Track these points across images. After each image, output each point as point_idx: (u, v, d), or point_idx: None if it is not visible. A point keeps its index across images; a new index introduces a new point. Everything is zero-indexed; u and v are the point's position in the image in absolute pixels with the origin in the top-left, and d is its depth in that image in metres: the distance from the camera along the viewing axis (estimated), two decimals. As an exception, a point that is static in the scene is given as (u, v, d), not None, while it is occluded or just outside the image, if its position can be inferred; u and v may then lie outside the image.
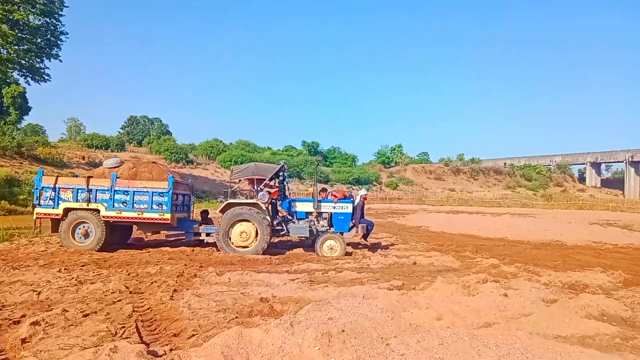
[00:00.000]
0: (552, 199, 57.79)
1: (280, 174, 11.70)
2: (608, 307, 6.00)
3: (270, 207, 11.07)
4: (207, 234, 11.05)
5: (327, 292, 6.29)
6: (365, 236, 11.72)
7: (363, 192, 12.45)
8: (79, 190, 10.38)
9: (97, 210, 10.39)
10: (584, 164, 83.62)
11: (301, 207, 11.34)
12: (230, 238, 10.48)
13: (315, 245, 10.72)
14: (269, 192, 10.98)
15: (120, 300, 6.00)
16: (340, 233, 10.99)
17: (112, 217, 10.42)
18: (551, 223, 21.77)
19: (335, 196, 11.46)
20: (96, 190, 10.42)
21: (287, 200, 11.51)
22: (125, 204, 10.42)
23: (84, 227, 10.38)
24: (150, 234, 11.61)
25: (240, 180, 11.76)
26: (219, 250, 10.59)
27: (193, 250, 10.86)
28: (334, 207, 11.22)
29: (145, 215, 10.46)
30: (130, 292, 6.47)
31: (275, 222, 10.99)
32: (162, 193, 10.49)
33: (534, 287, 7.13)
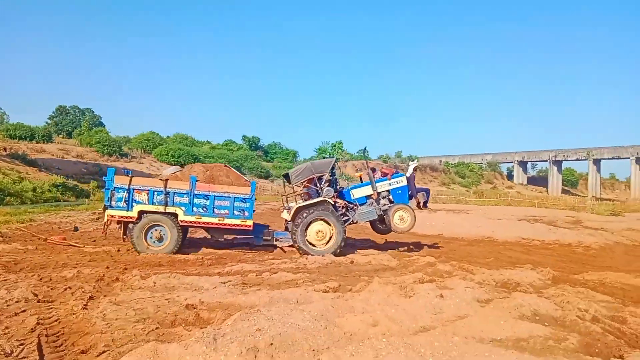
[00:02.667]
0: (483, 196, 60.26)
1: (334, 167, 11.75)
2: (539, 306, 6.03)
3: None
4: (277, 239, 10.97)
5: (259, 296, 5.91)
6: (425, 203, 12.05)
7: (414, 164, 12.83)
8: (155, 193, 9.81)
9: (175, 215, 9.88)
10: (512, 162, 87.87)
11: (359, 192, 11.47)
12: (307, 238, 10.48)
13: (385, 220, 11.05)
14: (334, 188, 11.24)
15: (24, 310, 5.33)
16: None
17: (190, 222, 10.04)
18: (483, 219, 22.47)
19: (386, 173, 11.76)
20: (174, 193, 9.89)
21: (346, 189, 11.63)
22: (205, 209, 10.01)
23: (157, 230, 9.85)
24: (221, 239, 11.03)
25: (302, 184, 11.57)
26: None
27: (118, 251, 10.08)
28: (390, 184, 11.46)
29: (227, 221, 10.14)
30: (39, 301, 5.79)
31: (339, 214, 10.96)
32: (244, 199, 10.20)
33: (468, 286, 7.11)
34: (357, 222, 11.19)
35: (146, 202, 9.76)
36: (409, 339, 4.31)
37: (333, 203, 10.84)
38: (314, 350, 3.79)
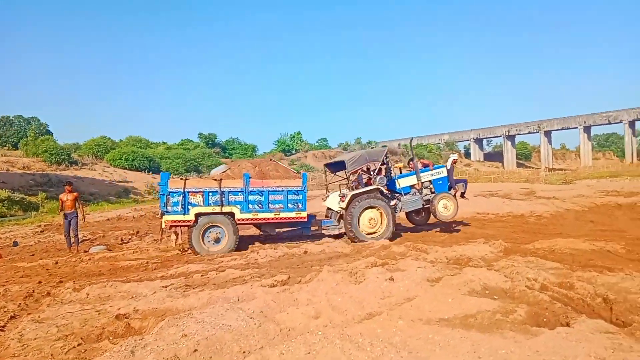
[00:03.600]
0: (443, 175, 61.39)
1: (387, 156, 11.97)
2: (489, 279, 5.92)
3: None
4: (324, 228, 11.26)
5: (198, 298, 5.54)
6: (462, 194, 12.40)
7: (454, 156, 13.25)
8: (210, 194, 9.78)
9: (232, 214, 9.90)
10: (468, 140, 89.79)
11: (405, 182, 11.72)
12: (359, 226, 10.57)
13: (430, 208, 11.22)
14: (387, 176, 11.60)
15: None
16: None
17: (248, 220, 10.13)
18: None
19: (426, 164, 12.21)
20: (229, 192, 9.90)
21: (393, 179, 11.73)
22: (260, 205, 10.09)
23: (214, 232, 9.82)
24: (273, 233, 10.92)
25: (356, 172, 11.79)
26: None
27: (56, 263, 9.45)
28: (432, 175, 11.86)
29: (282, 215, 10.25)
30: (-48, 327, 5.23)
31: (391, 202, 11.19)
32: (297, 191, 10.34)
33: (420, 266, 6.96)
34: (402, 210, 11.47)
35: (202, 204, 9.72)
36: (350, 328, 4.07)
37: (384, 191, 11.24)
38: (243, 352, 3.49)
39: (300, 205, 10.35)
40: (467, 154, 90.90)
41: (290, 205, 10.27)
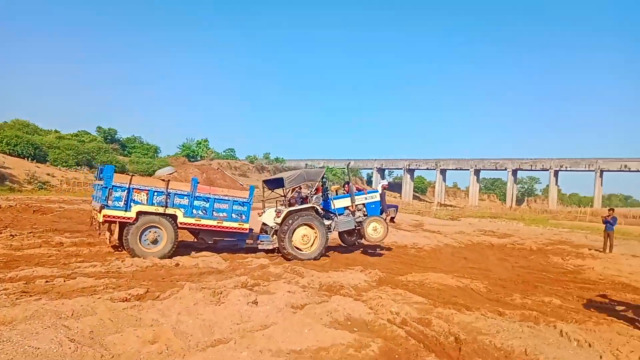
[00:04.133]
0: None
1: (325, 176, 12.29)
2: (354, 310, 5.83)
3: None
4: (260, 242, 11.05)
5: (25, 309, 4.77)
6: (392, 218, 12.87)
7: (384, 182, 13.81)
8: (156, 193, 9.42)
9: (174, 216, 9.55)
10: (371, 168, 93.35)
11: (340, 203, 12.12)
12: (292, 243, 10.70)
13: (360, 230, 11.70)
14: (323, 196, 12.07)
15: None
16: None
17: (189, 224, 9.81)
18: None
19: (360, 189, 12.71)
20: (175, 194, 9.61)
21: (328, 199, 12.07)
22: (204, 211, 9.89)
23: (152, 232, 9.37)
24: (210, 242, 10.50)
25: (293, 189, 12.28)
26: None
27: None
28: (366, 198, 12.33)
29: (225, 224, 10.11)
30: None
31: (326, 222, 11.43)
32: (243, 202, 10.31)
33: (290, 291, 6.73)
34: (335, 229, 11.82)
35: (145, 203, 9.33)
36: (188, 357, 3.66)
37: (321, 211, 11.47)
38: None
39: (244, 217, 10.32)
40: (370, 182, 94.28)
41: (234, 216, 10.20)
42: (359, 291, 7.23)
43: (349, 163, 15.50)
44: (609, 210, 17.71)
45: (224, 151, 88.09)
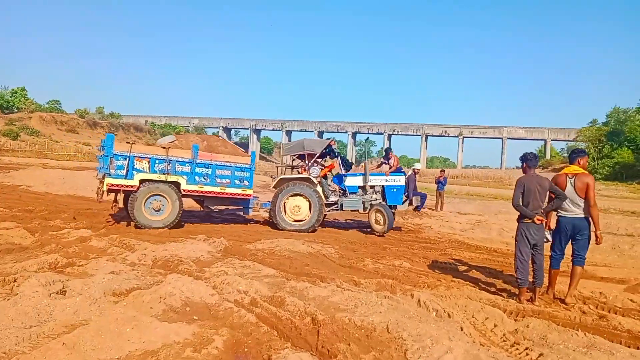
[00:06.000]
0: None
1: (331, 148, 11.57)
2: (194, 292, 4.84)
3: (324, 182, 11.07)
4: (265, 210, 10.88)
5: None
6: (418, 208, 11.84)
7: (417, 166, 12.41)
8: (157, 161, 9.39)
9: (177, 184, 9.50)
10: (217, 128, 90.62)
11: (352, 181, 11.23)
12: (285, 212, 10.49)
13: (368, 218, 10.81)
14: (322, 167, 11.22)
15: None
16: (393, 206, 10.86)
17: (193, 191, 9.79)
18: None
19: (390, 166, 11.31)
20: (176, 162, 9.57)
21: (339, 175, 11.39)
22: (207, 178, 9.89)
23: (156, 200, 9.32)
24: (215, 209, 10.93)
25: (293, 158, 12.04)
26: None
27: None
28: (386, 180, 11.02)
29: (228, 190, 10.11)
30: None
31: (330, 197, 10.94)
32: (244, 169, 10.34)
33: (114, 271, 5.49)
34: (341, 208, 10.99)
35: (147, 171, 9.35)
36: None
37: (317, 183, 10.68)
38: None
39: (246, 183, 10.31)
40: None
41: (236, 182, 10.18)
42: (200, 266, 6.24)
43: (367, 138, 13.83)
44: (440, 171, 19.16)
45: (46, 103, 77.55)
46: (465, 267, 7.22)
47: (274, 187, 11.05)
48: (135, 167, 9.21)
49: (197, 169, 9.78)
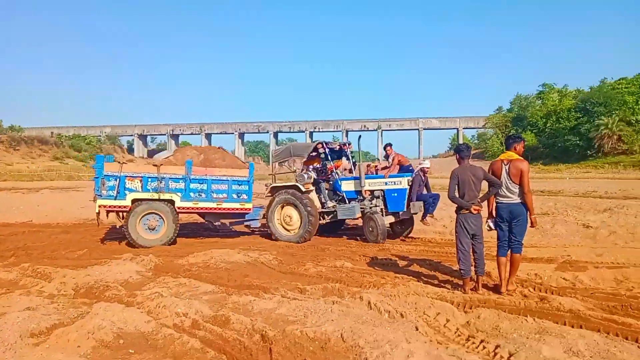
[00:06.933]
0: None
1: (321, 151, 10.70)
2: (127, 321, 4.36)
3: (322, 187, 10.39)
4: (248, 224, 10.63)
5: None
6: (424, 215, 9.64)
7: (426, 164, 9.93)
8: (149, 179, 9.16)
9: (172, 201, 9.20)
10: (132, 135, 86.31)
11: (348, 186, 10.11)
12: (278, 222, 10.02)
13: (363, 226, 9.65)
14: (316, 171, 10.60)
15: None
16: (396, 212, 9.62)
17: (188, 209, 9.50)
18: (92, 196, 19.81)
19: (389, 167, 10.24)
20: (169, 178, 9.24)
21: (339, 179, 10.33)
22: (202, 194, 9.46)
23: (151, 219, 9.13)
24: (218, 223, 10.20)
25: (283, 164, 11.42)
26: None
27: None
28: (386, 183, 9.67)
29: (225, 205, 9.64)
30: None
31: (328, 204, 10.19)
32: (242, 182, 9.76)
33: (30, 307, 4.85)
34: (338, 217, 9.93)
35: (140, 190, 9.13)
36: None
37: (305, 190, 9.83)
38: None
39: (245, 197, 9.80)
40: (131, 150, 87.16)
41: (234, 196, 9.71)
42: (130, 289, 5.70)
43: (360, 136, 11.99)
44: (367, 166, 19.41)
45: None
46: (406, 262, 7.23)
47: (266, 196, 10.69)
48: (127, 186, 9.05)
49: (192, 185, 9.41)
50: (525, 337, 3.84)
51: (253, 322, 4.36)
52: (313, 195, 10.19)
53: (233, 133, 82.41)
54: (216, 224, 10.24)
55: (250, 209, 10.02)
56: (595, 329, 4.05)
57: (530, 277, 5.96)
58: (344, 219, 10.42)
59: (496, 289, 5.41)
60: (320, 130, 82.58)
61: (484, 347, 3.74)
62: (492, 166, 5.48)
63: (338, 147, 11.09)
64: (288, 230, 9.94)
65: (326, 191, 10.43)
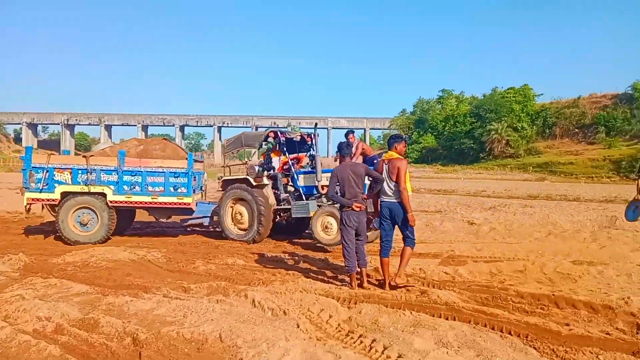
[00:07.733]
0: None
1: (271, 140, 9.55)
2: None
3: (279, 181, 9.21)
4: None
5: None
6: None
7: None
8: (79, 171, 8.53)
9: (103, 195, 8.57)
10: (20, 123, 78.67)
11: (304, 180, 8.91)
12: (230, 220, 9.08)
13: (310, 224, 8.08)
14: (268, 164, 9.37)
15: None
16: None
17: (120, 202, 8.75)
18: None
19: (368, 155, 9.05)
20: (100, 170, 8.59)
21: (296, 172, 9.08)
22: (136, 187, 8.74)
23: (84, 214, 8.57)
24: (165, 219, 9.58)
25: (235, 153, 10.73)
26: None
27: None
28: None
29: (161, 199, 8.88)
30: None
31: (283, 201, 9.04)
32: (179, 174, 8.86)
33: None
34: (292, 215, 8.69)
35: (70, 182, 8.59)
36: None
37: (255, 185, 8.82)
38: None
39: (183, 190, 8.92)
40: (19, 139, 79.52)
41: (171, 189, 8.91)
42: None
43: (316, 123, 11.87)
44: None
45: None
46: (297, 258, 7.22)
47: (218, 190, 9.88)
48: (56, 179, 8.54)
49: (125, 177, 8.75)
50: (400, 330, 3.93)
51: (125, 324, 4.06)
52: (274, 191, 9.24)
53: (135, 125, 78.18)
54: (163, 220, 9.67)
55: (188, 204, 9.07)
56: (466, 320, 4.26)
57: (415, 272, 6.18)
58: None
59: (381, 285, 5.53)
60: (229, 125, 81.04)
61: (361, 342, 3.77)
62: (377, 167, 5.62)
63: (299, 137, 9.93)
64: (240, 229, 9.04)
65: (284, 186, 9.36)
